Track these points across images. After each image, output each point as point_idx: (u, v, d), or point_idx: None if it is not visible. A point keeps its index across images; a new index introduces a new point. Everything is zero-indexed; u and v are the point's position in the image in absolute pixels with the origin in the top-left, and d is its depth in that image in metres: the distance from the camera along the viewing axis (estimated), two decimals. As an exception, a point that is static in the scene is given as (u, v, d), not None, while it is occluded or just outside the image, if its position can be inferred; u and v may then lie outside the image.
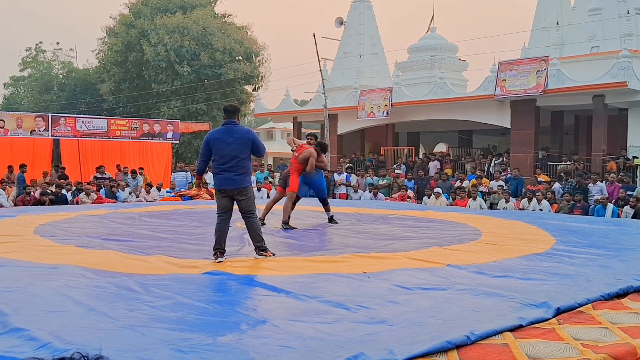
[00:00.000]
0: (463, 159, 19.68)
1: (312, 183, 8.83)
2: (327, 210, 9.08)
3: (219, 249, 5.56)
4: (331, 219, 9.02)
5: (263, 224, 8.12)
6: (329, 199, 9.36)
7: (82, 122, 18.00)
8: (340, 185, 16.19)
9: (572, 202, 12.18)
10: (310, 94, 25.24)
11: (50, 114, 17.82)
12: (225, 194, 5.68)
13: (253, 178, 17.46)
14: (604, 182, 13.24)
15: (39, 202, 12.61)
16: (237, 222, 8.83)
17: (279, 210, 8.60)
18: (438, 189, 14.16)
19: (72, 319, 3.40)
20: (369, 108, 20.69)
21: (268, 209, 8.73)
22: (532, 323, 3.44)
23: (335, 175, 16.50)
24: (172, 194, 15.07)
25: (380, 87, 21.32)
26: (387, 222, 9.06)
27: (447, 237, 7.37)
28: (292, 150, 8.75)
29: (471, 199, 13.20)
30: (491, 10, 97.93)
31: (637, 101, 15.45)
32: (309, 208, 10.62)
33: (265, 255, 5.62)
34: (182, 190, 15.47)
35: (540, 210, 12.11)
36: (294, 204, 8.71)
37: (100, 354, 1.22)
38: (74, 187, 14.08)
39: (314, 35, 21.53)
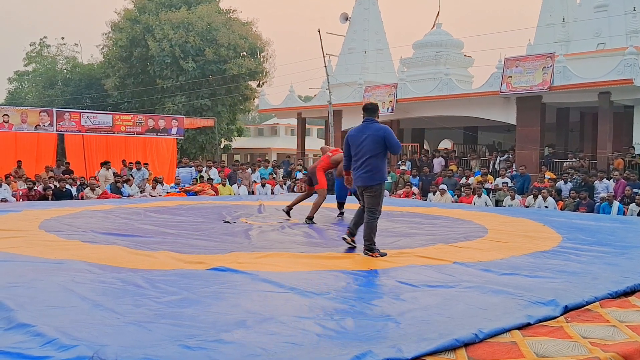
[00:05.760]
0: (468, 155, 19.62)
1: (337, 185, 9.31)
2: (341, 213, 9.31)
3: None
4: (340, 215, 9.21)
5: (289, 217, 8.66)
6: (333, 195, 9.46)
7: (87, 117, 18.03)
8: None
9: (578, 199, 12.13)
10: (315, 90, 25.24)
11: (54, 109, 17.87)
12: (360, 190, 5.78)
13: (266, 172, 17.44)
14: (610, 179, 13.18)
15: (43, 197, 12.62)
16: (241, 217, 8.91)
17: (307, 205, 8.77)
18: (443, 186, 14.10)
19: (78, 315, 3.39)
20: (373, 104, 20.58)
21: (296, 202, 9.06)
22: (540, 321, 3.42)
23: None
24: (177, 190, 15.07)
25: (385, 83, 21.27)
26: (392, 219, 9.02)
27: (452, 234, 7.33)
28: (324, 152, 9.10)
29: (476, 195, 13.16)
30: (497, 7, 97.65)
31: (643, 98, 15.39)
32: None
33: (372, 256, 5.44)
34: (187, 185, 15.48)
35: (546, 207, 12.06)
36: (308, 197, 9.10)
37: None
38: (78, 182, 14.11)
39: (318, 31, 21.50)
